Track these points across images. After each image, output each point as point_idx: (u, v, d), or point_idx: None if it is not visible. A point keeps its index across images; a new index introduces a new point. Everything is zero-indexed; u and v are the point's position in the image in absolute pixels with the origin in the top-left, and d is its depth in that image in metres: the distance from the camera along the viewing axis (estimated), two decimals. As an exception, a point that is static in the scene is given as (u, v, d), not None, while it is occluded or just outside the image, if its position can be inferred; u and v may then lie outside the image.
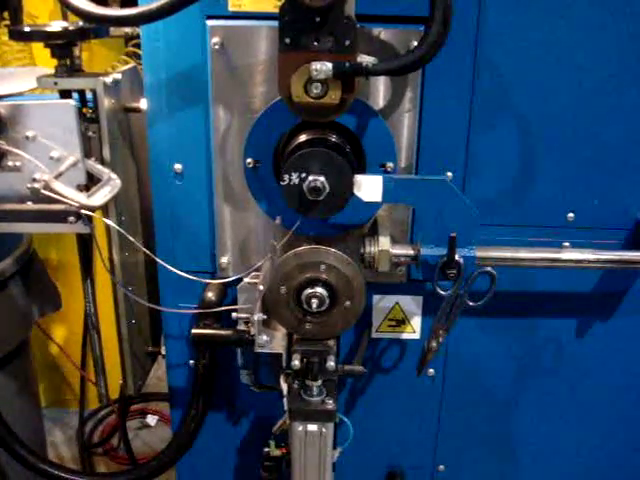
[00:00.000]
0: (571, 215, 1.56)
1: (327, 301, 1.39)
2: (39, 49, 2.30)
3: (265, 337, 1.46)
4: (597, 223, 1.57)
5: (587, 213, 1.56)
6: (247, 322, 1.54)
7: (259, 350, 1.48)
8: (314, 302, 1.38)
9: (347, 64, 1.18)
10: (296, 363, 1.45)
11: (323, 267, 1.39)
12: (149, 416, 3.34)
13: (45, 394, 3.35)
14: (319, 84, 1.21)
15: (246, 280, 1.53)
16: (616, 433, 1.81)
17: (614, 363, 1.71)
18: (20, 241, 2.27)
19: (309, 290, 1.39)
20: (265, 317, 1.44)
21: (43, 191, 1.27)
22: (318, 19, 1.17)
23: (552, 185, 1.54)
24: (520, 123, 1.49)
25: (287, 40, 1.19)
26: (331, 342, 1.48)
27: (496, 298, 1.50)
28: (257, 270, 1.53)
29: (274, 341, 1.51)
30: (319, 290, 1.39)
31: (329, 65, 1.18)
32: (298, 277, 1.40)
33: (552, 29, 1.41)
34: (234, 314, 1.53)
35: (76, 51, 2.83)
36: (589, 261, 1.45)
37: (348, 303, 1.41)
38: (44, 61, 2.45)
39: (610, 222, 1.57)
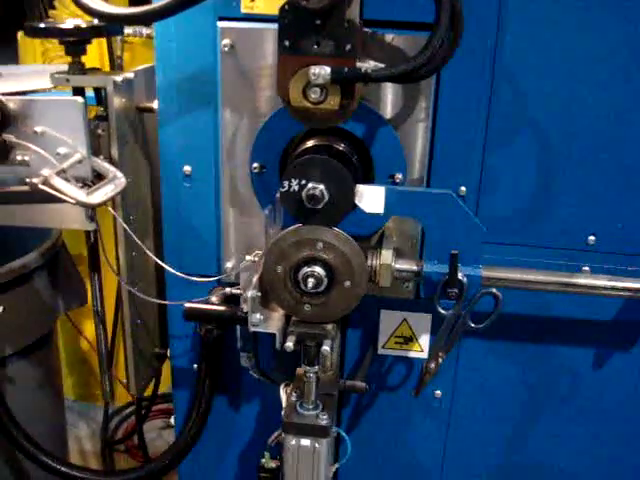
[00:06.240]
0: (592, 238, 1.48)
1: (325, 281, 1.31)
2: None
3: (259, 315, 1.38)
4: (620, 248, 1.48)
5: (610, 237, 1.47)
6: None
7: (253, 329, 1.40)
8: (310, 282, 1.31)
9: (346, 69, 1.14)
10: (289, 345, 1.35)
11: (320, 245, 1.31)
12: (173, 416, 3.33)
13: (74, 388, 3.42)
14: (318, 89, 1.17)
15: (248, 258, 1.47)
16: (636, 468, 1.70)
17: (634, 396, 1.61)
18: (48, 236, 2.31)
19: (306, 269, 1.32)
20: (259, 294, 1.37)
21: (41, 186, 1.27)
22: (318, 22, 1.13)
23: (572, 205, 1.46)
24: (539, 138, 1.42)
25: (286, 43, 1.16)
26: (329, 326, 1.39)
27: (509, 321, 1.43)
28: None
29: (269, 321, 1.42)
30: (317, 269, 1.32)
31: (328, 70, 1.14)
32: (294, 255, 1.32)
33: (575, 41, 1.34)
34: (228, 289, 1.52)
35: (117, 51, 2.89)
36: (604, 288, 1.36)
37: (348, 283, 1.33)
38: (90, 62, 2.50)
39: (635, 247, 1.48)
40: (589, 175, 1.43)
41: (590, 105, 1.38)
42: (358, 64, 1.16)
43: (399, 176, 1.43)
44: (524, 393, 1.65)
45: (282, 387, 1.58)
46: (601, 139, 1.40)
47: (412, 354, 1.64)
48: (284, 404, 1.52)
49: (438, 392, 1.66)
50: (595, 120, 1.39)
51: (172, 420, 3.33)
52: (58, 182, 1.30)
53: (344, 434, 1.59)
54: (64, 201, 1.29)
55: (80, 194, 1.31)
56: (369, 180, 1.44)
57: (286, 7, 1.13)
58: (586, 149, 1.41)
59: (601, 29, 1.32)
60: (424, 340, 1.62)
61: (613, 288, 1.37)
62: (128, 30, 2.71)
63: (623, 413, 1.64)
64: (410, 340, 1.63)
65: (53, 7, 2.90)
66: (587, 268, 1.49)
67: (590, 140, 1.41)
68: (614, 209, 1.46)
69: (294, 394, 1.50)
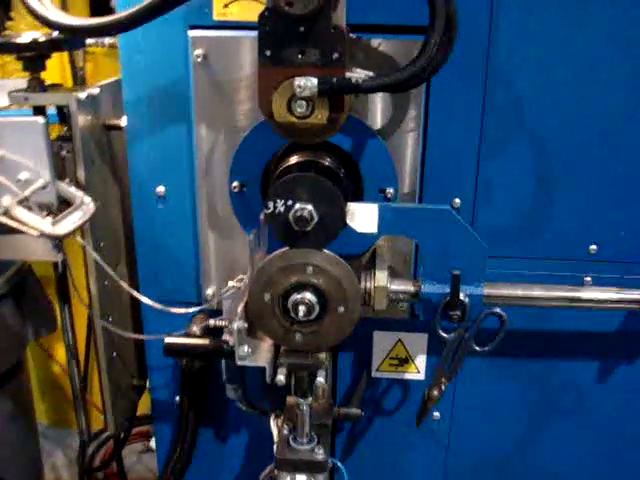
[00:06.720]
0: (594, 247, 1.41)
1: (317, 308, 1.22)
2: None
3: (246, 348, 1.28)
4: (623, 257, 1.42)
5: (612, 245, 1.41)
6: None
7: (240, 363, 1.30)
8: (301, 309, 1.21)
9: (334, 79, 1.05)
10: (281, 378, 1.26)
11: (310, 269, 1.22)
12: (153, 439, 3.21)
13: (48, 413, 3.26)
14: (304, 102, 1.07)
15: (231, 283, 1.37)
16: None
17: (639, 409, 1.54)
18: (13, 261, 2.18)
19: (296, 296, 1.22)
20: (245, 325, 1.26)
21: (1, 218, 1.15)
22: (302, 29, 1.04)
23: (572, 214, 1.39)
24: (536, 145, 1.34)
25: (267, 52, 1.06)
26: (322, 355, 1.30)
27: (509, 337, 1.34)
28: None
29: (258, 353, 1.31)
30: (307, 296, 1.22)
31: (314, 81, 1.04)
32: (283, 282, 1.23)
33: (572, 42, 1.26)
34: (211, 320, 1.43)
35: (80, 62, 2.74)
36: (612, 301, 1.29)
37: (341, 309, 1.23)
38: (50, 74, 2.37)
39: (638, 256, 1.41)
40: (589, 182, 1.36)
41: (589, 111, 1.31)
42: (347, 74, 1.06)
43: (390, 190, 1.34)
44: (526, 410, 1.57)
45: (272, 418, 1.48)
46: (600, 145, 1.33)
47: (408, 376, 1.56)
48: (276, 438, 1.42)
49: (436, 414, 1.58)
50: (594, 126, 1.32)
51: (152, 443, 3.22)
52: (20, 212, 1.18)
53: (340, 464, 1.49)
54: (27, 233, 1.17)
55: (45, 224, 1.19)
56: (358, 196, 1.35)
57: (266, 13, 1.03)
58: (585, 155, 1.35)
59: (600, 31, 1.25)
60: (420, 361, 1.54)
61: (621, 301, 1.30)
62: (89, 40, 2.58)
63: (628, 426, 1.57)
64: (405, 361, 1.54)
65: (10, 18, 2.76)
66: (589, 278, 1.42)
67: (589, 147, 1.34)
68: (615, 217, 1.39)
69: (286, 427, 1.40)
